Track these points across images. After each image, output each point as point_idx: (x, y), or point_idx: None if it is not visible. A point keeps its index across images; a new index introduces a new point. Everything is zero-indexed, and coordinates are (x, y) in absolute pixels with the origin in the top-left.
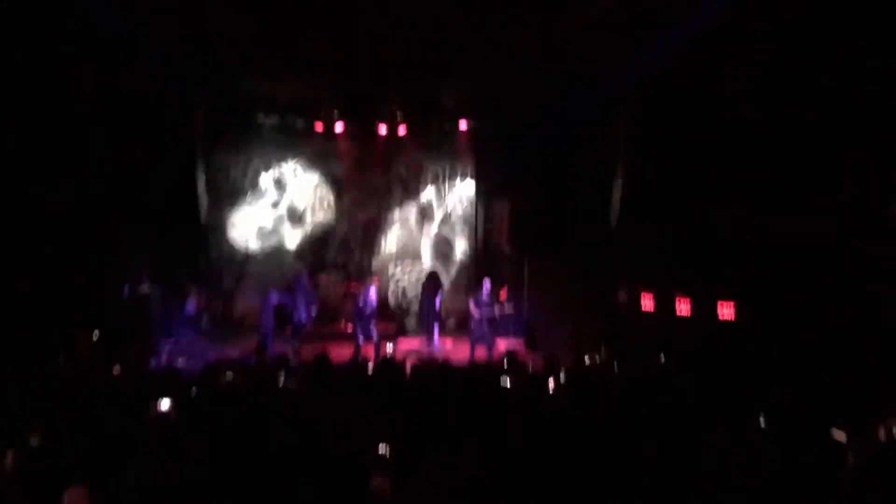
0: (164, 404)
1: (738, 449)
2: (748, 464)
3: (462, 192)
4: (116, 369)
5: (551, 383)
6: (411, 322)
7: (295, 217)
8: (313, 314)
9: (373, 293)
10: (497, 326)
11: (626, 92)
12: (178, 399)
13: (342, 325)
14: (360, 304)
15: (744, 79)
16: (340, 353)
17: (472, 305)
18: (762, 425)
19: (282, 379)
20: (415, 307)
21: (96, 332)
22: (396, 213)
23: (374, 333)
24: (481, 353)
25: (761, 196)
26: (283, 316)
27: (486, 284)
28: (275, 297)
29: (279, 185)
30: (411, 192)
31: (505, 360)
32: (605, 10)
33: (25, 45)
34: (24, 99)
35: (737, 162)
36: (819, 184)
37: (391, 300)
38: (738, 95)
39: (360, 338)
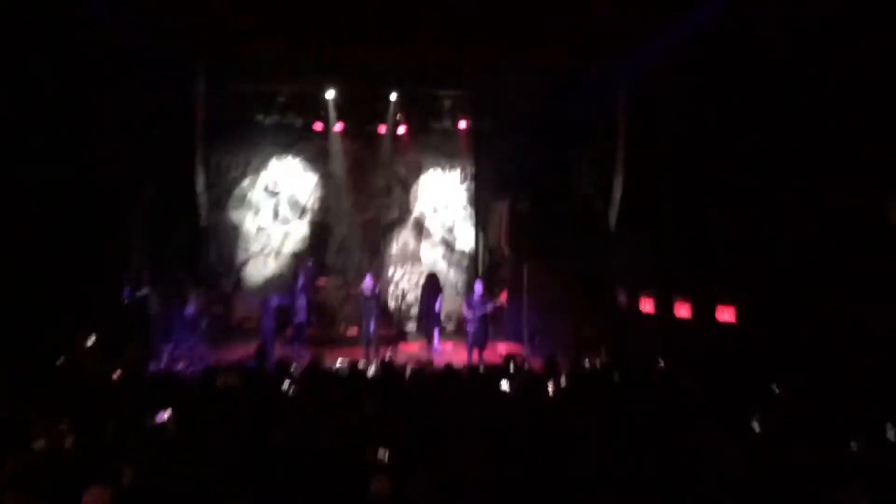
0: (163, 415)
1: (736, 451)
2: (747, 466)
3: (461, 193)
4: (116, 373)
5: (551, 386)
6: (411, 326)
7: (294, 218)
8: (312, 317)
9: (369, 284)
10: (488, 324)
11: (625, 91)
12: (177, 405)
13: (342, 329)
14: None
15: (744, 78)
16: (340, 356)
17: (464, 308)
18: (756, 429)
19: (285, 385)
20: (414, 310)
21: (93, 335)
22: (396, 214)
23: (372, 332)
24: (481, 355)
25: (762, 198)
26: (283, 319)
27: (479, 286)
28: (274, 301)
29: (278, 186)
30: (411, 192)
31: (510, 364)
32: (605, 9)
33: (24, 43)
34: (22, 98)
35: (737, 163)
36: (820, 186)
37: (391, 303)
38: (739, 95)
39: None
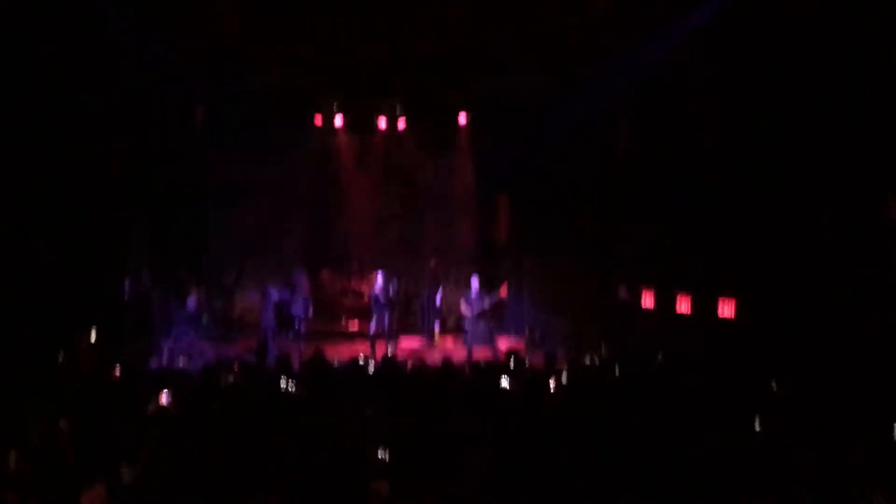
0: (164, 397)
1: (737, 448)
2: (747, 463)
3: (462, 187)
4: (117, 369)
5: (552, 383)
6: (412, 320)
7: (295, 213)
8: (311, 310)
9: (379, 281)
10: (489, 320)
11: (627, 87)
12: (178, 396)
13: (343, 323)
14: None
15: (744, 76)
16: (340, 351)
17: (462, 305)
18: (757, 427)
19: (284, 383)
20: (415, 304)
21: (94, 331)
22: (396, 208)
23: (385, 329)
24: (482, 352)
25: (762, 194)
26: (283, 314)
27: (475, 282)
28: (275, 295)
29: (279, 180)
30: (411, 186)
31: (511, 361)
32: (605, 9)
33: (24, 40)
34: (22, 95)
35: (737, 159)
36: (820, 182)
37: (392, 298)
38: (739, 92)
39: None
